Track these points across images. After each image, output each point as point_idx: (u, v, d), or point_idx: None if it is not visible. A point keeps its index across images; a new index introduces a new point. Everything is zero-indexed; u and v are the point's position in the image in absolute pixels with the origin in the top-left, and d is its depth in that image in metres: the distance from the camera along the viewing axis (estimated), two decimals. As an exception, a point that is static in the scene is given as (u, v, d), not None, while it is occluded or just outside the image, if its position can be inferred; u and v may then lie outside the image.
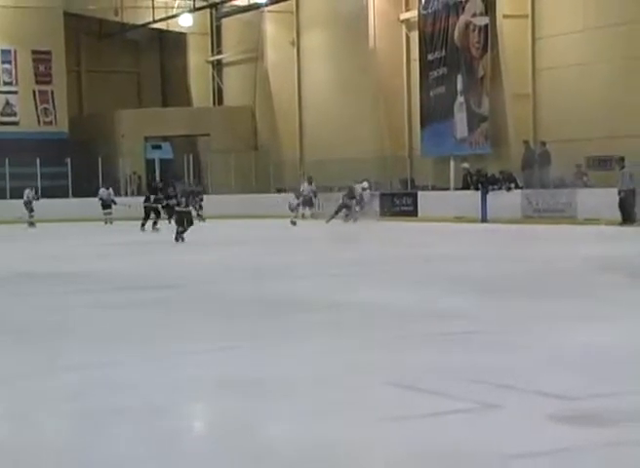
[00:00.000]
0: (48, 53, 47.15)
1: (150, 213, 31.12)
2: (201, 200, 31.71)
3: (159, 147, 46.49)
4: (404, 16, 39.13)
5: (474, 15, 35.23)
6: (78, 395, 6.92)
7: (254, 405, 6.53)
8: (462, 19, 35.71)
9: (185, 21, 47.53)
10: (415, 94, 38.71)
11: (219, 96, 50.55)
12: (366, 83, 40.12)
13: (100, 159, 43.11)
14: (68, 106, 48.12)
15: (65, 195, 43.20)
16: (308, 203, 34.57)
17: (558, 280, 13.51)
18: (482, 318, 10.07)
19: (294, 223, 31.67)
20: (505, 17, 34.14)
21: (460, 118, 36.16)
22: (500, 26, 34.16)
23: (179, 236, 24.55)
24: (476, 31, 35.15)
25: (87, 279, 15.82)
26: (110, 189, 38.95)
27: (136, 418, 6.23)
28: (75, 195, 43.09)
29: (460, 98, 36.09)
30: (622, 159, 28.33)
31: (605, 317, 9.78)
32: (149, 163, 46.25)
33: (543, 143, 32.63)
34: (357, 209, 34.24)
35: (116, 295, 13.37)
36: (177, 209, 26.07)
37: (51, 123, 47.41)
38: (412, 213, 33.94)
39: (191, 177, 42.88)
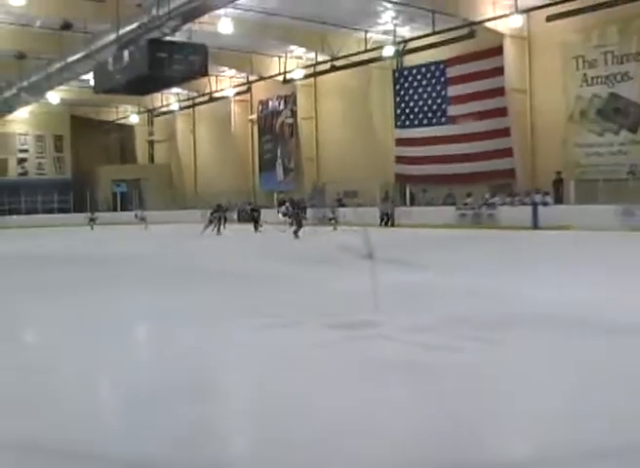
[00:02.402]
0: (60, 137, 45.66)
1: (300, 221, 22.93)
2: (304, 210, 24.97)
3: (119, 185, 45.13)
4: (250, 117, 39.27)
5: (286, 117, 36.31)
6: None
7: (85, 332, 5.83)
8: (280, 119, 36.74)
9: (134, 119, 47.43)
10: (256, 156, 38.96)
11: (152, 158, 49.12)
12: (230, 149, 40.57)
13: (89, 192, 42.41)
14: (72, 161, 46.36)
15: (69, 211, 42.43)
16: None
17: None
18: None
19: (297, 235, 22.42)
20: (302, 118, 35.20)
21: (279, 170, 37.00)
22: (299, 123, 35.38)
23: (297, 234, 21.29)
24: (286, 126, 36.31)
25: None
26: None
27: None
28: (76, 210, 41.91)
29: (279, 160, 36.98)
30: (388, 192, 27.81)
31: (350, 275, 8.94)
32: (114, 194, 44.85)
33: (323, 184, 33.64)
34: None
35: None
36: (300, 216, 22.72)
37: (63, 172, 46.13)
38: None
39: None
